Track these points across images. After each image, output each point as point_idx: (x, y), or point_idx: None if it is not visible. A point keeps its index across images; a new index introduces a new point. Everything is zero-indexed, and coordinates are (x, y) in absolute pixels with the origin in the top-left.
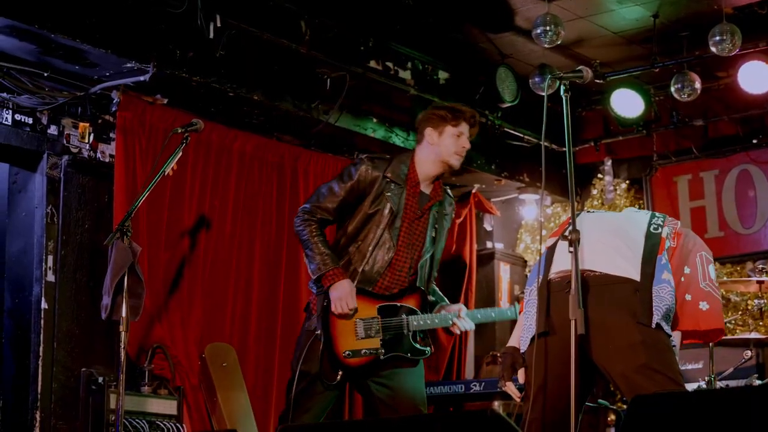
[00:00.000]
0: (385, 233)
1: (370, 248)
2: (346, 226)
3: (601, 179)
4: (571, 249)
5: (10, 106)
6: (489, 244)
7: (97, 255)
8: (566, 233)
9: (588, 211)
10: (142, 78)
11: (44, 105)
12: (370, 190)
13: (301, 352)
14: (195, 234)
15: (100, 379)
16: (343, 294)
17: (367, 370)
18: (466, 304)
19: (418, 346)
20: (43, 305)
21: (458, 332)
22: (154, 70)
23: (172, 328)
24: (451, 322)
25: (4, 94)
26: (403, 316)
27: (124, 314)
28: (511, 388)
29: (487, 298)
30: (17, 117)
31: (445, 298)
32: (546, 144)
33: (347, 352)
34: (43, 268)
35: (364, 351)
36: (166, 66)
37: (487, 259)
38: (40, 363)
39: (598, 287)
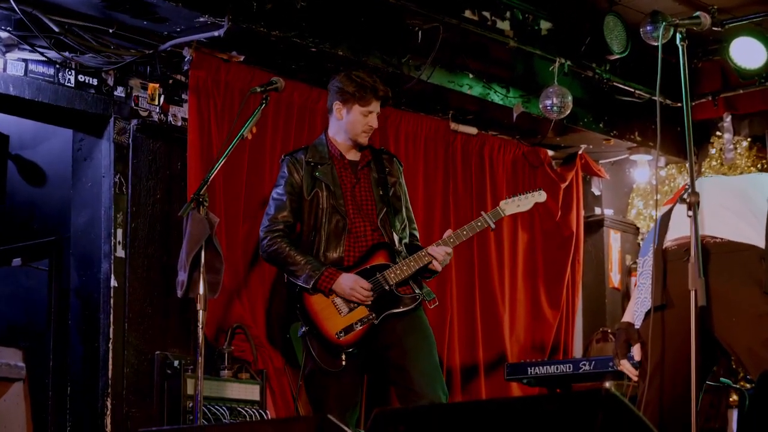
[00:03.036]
0: (332, 208)
1: (324, 228)
2: (304, 221)
3: (719, 137)
4: (690, 213)
5: (73, 66)
6: (597, 210)
7: (171, 227)
8: (684, 196)
9: (706, 176)
10: (216, 33)
11: (110, 64)
12: (301, 180)
13: (302, 361)
14: None
15: (176, 363)
16: (351, 284)
17: (368, 340)
18: (573, 277)
19: (406, 295)
20: (113, 283)
21: (438, 266)
22: (230, 24)
23: (253, 306)
24: (426, 259)
25: (67, 53)
26: (378, 274)
27: (201, 291)
28: (626, 366)
29: (597, 270)
30: (81, 78)
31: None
32: (660, 99)
33: (340, 333)
34: (112, 243)
35: (355, 324)
36: (243, 19)
37: (595, 226)
38: (110, 346)
39: (719, 255)
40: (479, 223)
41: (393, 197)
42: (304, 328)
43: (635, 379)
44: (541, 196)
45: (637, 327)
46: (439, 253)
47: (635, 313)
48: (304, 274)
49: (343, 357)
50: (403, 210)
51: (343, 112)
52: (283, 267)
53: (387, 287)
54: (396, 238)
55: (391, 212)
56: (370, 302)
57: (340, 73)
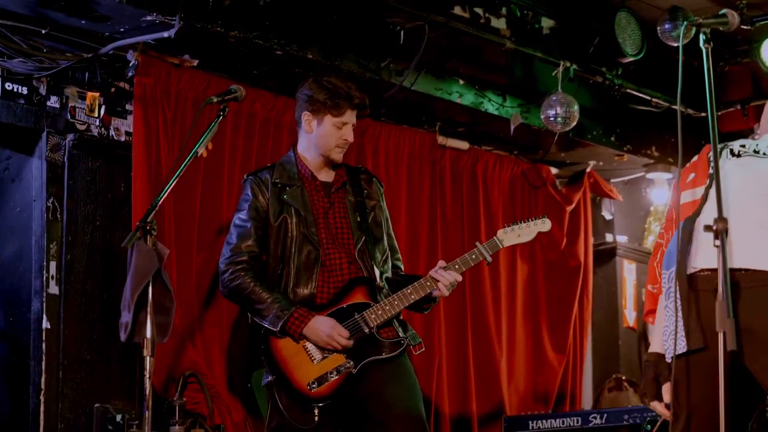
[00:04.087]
0: (302, 237)
1: (294, 259)
2: (270, 251)
3: None
4: (717, 242)
5: (0, 73)
6: (609, 237)
7: (113, 260)
8: (712, 223)
9: (732, 153)
10: (165, 34)
11: (42, 70)
12: (267, 203)
13: (266, 414)
14: None
15: (119, 417)
16: (328, 330)
17: (344, 393)
18: (581, 313)
19: (388, 339)
20: (45, 324)
21: (445, 291)
22: (181, 23)
23: (208, 350)
24: (427, 289)
25: None
26: (356, 314)
27: (148, 335)
28: (658, 407)
29: (608, 307)
30: (8, 86)
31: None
32: (681, 109)
33: (312, 384)
34: (44, 278)
35: (329, 374)
36: (197, 18)
37: (607, 255)
38: (42, 398)
39: (753, 288)
40: (473, 256)
41: (372, 223)
42: (269, 377)
43: (668, 419)
44: (544, 225)
45: (668, 360)
46: (447, 278)
47: (664, 343)
48: (270, 314)
49: (316, 412)
50: (385, 238)
51: (313, 123)
52: (246, 305)
53: (367, 330)
54: (377, 272)
55: (371, 241)
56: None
57: (309, 79)
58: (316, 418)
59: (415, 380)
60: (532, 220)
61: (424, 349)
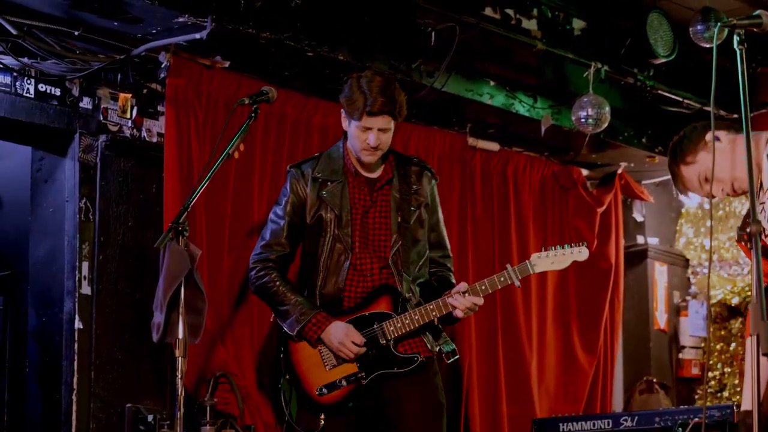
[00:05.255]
0: (334, 240)
1: (324, 260)
2: (305, 248)
3: None
4: (751, 245)
5: (33, 74)
6: (640, 239)
7: (145, 261)
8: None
9: None
10: (197, 35)
11: (75, 72)
12: (305, 199)
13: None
14: None
15: (150, 417)
16: (340, 337)
17: (352, 402)
18: (612, 315)
19: (403, 354)
20: (77, 325)
21: (460, 314)
22: (213, 25)
23: (239, 351)
24: (444, 310)
25: (25, 59)
26: (375, 324)
27: (180, 335)
28: None
29: (639, 309)
30: (41, 87)
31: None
32: (714, 110)
33: (321, 389)
34: (77, 278)
35: (340, 381)
36: (228, 20)
37: (638, 258)
38: (74, 398)
39: None
40: (502, 278)
41: (415, 224)
42: (286, 376)
43: None
44: (581, 254)
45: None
46: (463, 304)
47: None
48: (290, 318)
49: (322, 417)
50: (425, 239)
51: (345, 123)
52: (270, 304)
53: (384, 342)
54: (406, 281)
55: (409, 245)
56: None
57: (352, 75)
58: (322, 422)
59: (437, 401)
60: (570, 247)
61: (458, 357)
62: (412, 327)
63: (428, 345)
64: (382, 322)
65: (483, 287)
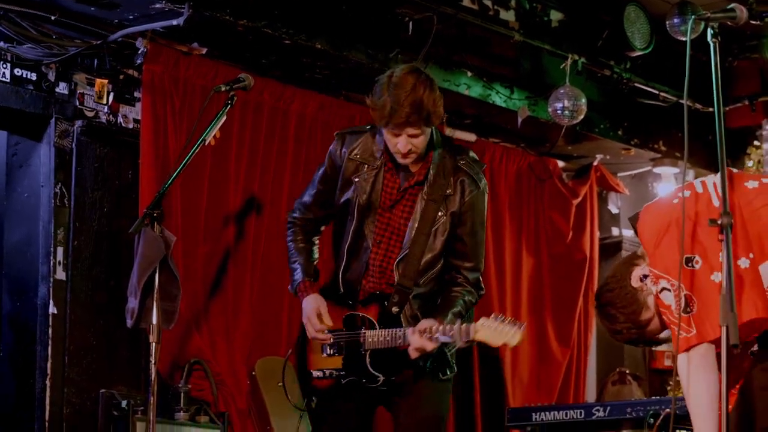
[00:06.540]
0: (358, 229)
1: (348, 246)
2: (335, 225)
3: (758, 147)
4: (722, 237)
5: (9, 59)
6: (615, 231)
7: (120, 246)
8: (719, 219)
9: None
10: (174, 22)
11: (51, 57)
12: (338, 177)
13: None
14: (242, 220)
15: (124, 403)
16: (308, 312)
17: (336, 394)
18: (585, 308)
19: (371, 369)
20: (52, 310)
21: (413, 354)
22: (190, 11)
23: (213, 338)
24: (399, 341)
25: (1, 43)
26: (363, 329)
27: (154, 321)
28: None
29: None
30: (17, 72)
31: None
32: (688, 103)
33: (316, 373)
34: (52, 264)
35: (327, 372)
36: (205, 6)
37: (612, 250)
38: (48, 383)
39: None
40: (451, 334)
41: (433, 232)
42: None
43: None
44: (514, 338)
45: None
46: (414, 343)
47: None
48: (292, 276)
49: (314, 399)
50: (441, 249)
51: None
52: (288, 261)
53: (362, 351)
54: (403, 292)
55: (417, 255)
56: (330, 342)
57: (387, 73)
58: (313, 404)
59: (430, 412)
60: (511, 325)
61: (449, 376)
62: (385, 345)
63: (389, 368)
64: (366, 330)
65: (435, 333)
